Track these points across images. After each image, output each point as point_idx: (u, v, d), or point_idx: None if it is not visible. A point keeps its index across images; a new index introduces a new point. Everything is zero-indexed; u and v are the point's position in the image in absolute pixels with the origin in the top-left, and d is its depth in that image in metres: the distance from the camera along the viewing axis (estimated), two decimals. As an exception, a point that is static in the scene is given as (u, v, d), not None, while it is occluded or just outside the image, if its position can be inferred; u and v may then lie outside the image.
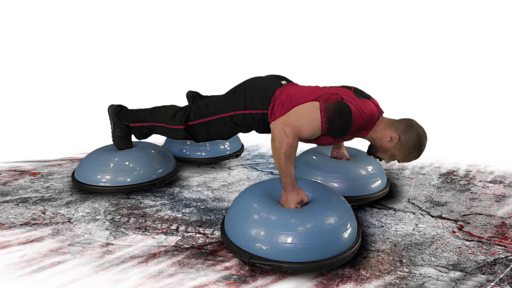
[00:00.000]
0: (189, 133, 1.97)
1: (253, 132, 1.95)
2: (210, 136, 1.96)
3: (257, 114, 1.81)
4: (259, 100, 1.80)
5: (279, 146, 1.49)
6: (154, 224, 1.78)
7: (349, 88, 1.73)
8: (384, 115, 1.75)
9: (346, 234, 1.47)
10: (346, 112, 1.56)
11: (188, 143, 2.55)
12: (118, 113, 2.16)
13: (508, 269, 1.46)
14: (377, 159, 1.80)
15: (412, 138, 1.62)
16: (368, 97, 1.72)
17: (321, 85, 1.82)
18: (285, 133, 1.48)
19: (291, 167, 1.50)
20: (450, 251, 1.57)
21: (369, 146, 1.75)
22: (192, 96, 2.51)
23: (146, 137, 2.19)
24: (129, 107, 2.21)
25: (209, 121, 1.90)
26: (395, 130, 1.64)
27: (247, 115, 1.82)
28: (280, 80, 1.88)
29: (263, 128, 1.86)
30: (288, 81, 1.93)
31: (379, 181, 2.03)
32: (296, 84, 1.87)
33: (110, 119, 2.19)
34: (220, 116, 1.87)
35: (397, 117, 1.73)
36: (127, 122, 2.16)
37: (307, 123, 1.54)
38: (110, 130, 2.22)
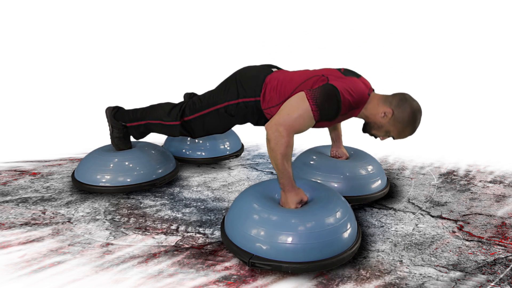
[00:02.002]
0: (185, 129, 1.98)
1: (253, 132, 1.95)
2: (206, 130, 1.97)
3: (250, 102, 1.81)
4: (250, 87, 1.80)
5: (275, 147, 1.49)
6: (154, 224, 1.78)
7: (339, 69, 1.73)
8: (375, 91, 1.74)
9: (346, 234, 1.47)
10: (334, 94, 1.55)
11: (188, 143, 2.55)
12: (115, 114, 2.18)
13: (508, 269, 1.46)
14: (372, 136, 1.77)
15: (406, 112, 1.60)
16: (357, 75, 1.72)
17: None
18: (280, 133, 1.48)
19: (288, 167, 1.50)
20: (450, 251, 1.57)
21: (364, 124, 1.74)
22: (190, 97, 2.51)
23: (143, 136, 2.19)
24: (126, 108, 2.22)
25: (204, 115, 1.91)
26: (388, 105, 1.62)
27: (240, 104, 1.82)
28: (270, 68, 1.89)
29: (258, 117, 1.85)
30: (279, 68, 1.93)
31: (379, 181, 2.03)
32: (286, 70, 1.88)
33: (107, 121, 2.21)
34: (214, 108, 1.88)
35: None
36: (124, 123, 2.17)
37: (298, 116, 1.53)
38: (109, 132, 2.23)
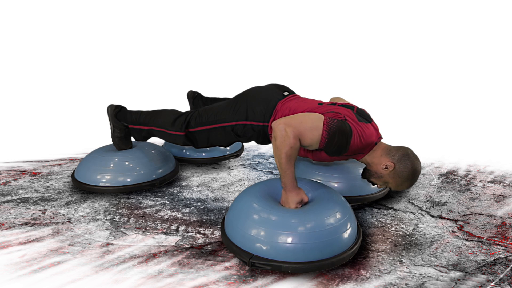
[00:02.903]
0: (189, 139, 1.97)
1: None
2: (210, 143, 1.97)
3: (258, 126, 1.81)
4: (260, 112, 1.80)
5: (280, 145, 1.49)
6: (154, 224, 1.78)
7: (352, 108, 1.73)
8: (382, 140, 1.76)
9: (346, 234, 1.47)
10: (347, 133, 1.57)
11: (188, 143, 2.55)
12: (117, 114, 2.15)
13: (508, 269, 1.46)
14: (370, 183, 1.82)
15: (406, 168, 1.63)
16: (369, 120, 1.73)
17: (323, 94, 1.83)
18: (287, 133, 1.48)
19: (291, 167, 1.50)
20: (450, 251, 1.57)
21: (364, 169, 1.76)
22: (193, 96, 2.50)
23: (145, 140, 2.19)
24: (129, 108, 2.21)
25: (209, 129, 1.91)
26: (391, 159, 1.65)
27: (248, 126, 1.83)
28: (282, 91, 1.88)
29: (263, 139, 1.87)
30: (290, 91, 1.93)
31: (379, 181, 2.03)
32: (298, 96, 1.88)
33: (109, 119, 2.18)
34: (221, 125, 1.87)
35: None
36: (126, 123, 2.15)
37: (309, 129, 1.53)
38: (110, 131, 2.22)
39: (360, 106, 1.80)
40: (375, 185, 1.76)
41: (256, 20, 4.96)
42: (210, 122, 1.90)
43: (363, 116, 1.72)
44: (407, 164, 1.63)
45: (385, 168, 1.65)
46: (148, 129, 2.08)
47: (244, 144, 2.90)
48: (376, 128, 1.74)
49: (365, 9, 4.92)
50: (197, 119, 1.92)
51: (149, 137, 2.15)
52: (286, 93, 1.87)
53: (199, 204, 1.99)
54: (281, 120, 1.54)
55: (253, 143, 3.07)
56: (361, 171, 2.00)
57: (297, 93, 1.97)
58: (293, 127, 1.50)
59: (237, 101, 1.88)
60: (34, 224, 1.75)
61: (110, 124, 2.18)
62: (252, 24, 4.97)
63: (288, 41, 4.97)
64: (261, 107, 1.81)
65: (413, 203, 2.02)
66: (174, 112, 2.03)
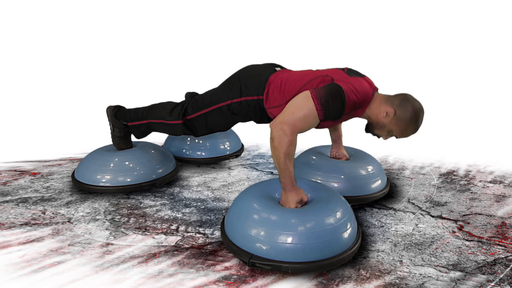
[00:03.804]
0: (188, 127, 1.98)
1: (253, 132, 1.96)
2: (209, 128, 1.97)
3: (252, 100, 1.81)
4: (253, 86, 1.80)
5: (278, 145, 1.49)
6: (154, 224, 1.78)
7: (342, 69, 1.73)
8: (379, 91, 1.74)
9: (346, 234, 1.47)
10: (339, 93, 1.55)
11: (188, 143, 2.55)
12: (116, 113, 2.17)
13: (508, 269, 1.46)
14: (375, 136, 1.77)
15: (408, 111, 1.60)
16: (361, 75, 1.72)
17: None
18: (284, 132, 1.48)
19: (290, 167, 1.50)
20: (450, 251, 1.57)
21: (367, 124, 1.74)
22: (191, 97, 2.50)
23: (145, 135, 2.19)
24: (127, 107, 2.22)
25: (206, 113, 1.91)
26: (390, 105, 1.62)
27: (243, 103, 1.82)
28: (274, 67, 1.89)
29: (260, 116, 1.86)
30: (282, 68, 1.93)
31: (379, 181, 2.03)
32: (290, 70, 1.88)
33: (108, 120, 2.20)
34: (216, 106, 1.88)
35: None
36: (125, 122, 2.16)
37: (303, 116, 1.52)
38: (109, 131, 2.22)
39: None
40: (381, 137, 1.73)
41: (255, 20, 4.96)
42: (206, 106, 1.90)
43: (354, 72, 1.71)
44: (407, 107, 1.60)
45: (386, 116, 1.63)
46: (147, 123, 2.09)
47: (244, 144, 2.90)
48: (369, 82, 1.72)
49: (365, 8, 4.92)
50: (193, 106, 1.94)
51: (148, 132, 2.16)
52: (278, 68, 1.88)
53: (199, 204, 1.99)
54: (276, 120, 1.53)
55: (253, 142, 3.07)
56: (361, 171, 2.00)
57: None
58: (287, 123, 1.49)
59: (230, 80, 1.89)
60: (34, 224, 1.75)
61: (110, 124, 2.20)
62: (251, 23, 4.97)
63: (288, 40, 4.97)
64: (254, 82, 1.81)
65: (413, 203, 2.02)
66: (170, 103, 2.05)
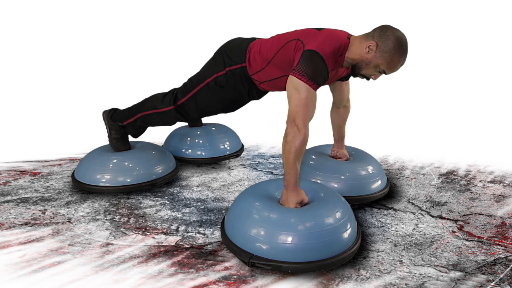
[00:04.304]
0: (180, 113, 2.02)
1: (253, 132, 1.95)
2: (200, 109, 1.99)
3: (236, 69, 1.84)
4: (236, 55, 1.85)
5: (291, 141, 1.48)
6: (154, 224, 1.78)
7: (313, 29, 1.71)
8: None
9: (346, 234, 1.47)
10: (316, 56, 1.54)
11: (188, 143, 2.55)
12: (112, 116, 2.21)
13: (508, 269, 1.46)
14: (364, 79, 1.72)
15: (390, 39, 1.55)
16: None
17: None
18: (297, 127, 1.48)
19: (298, 165, 1.50)
20: (450, 251, 1.57)
21: (352, 68, 1.70)
22: None
23: (141, 132, 2.21)
24: (121, 108, 2.25)
25: (195, 93, 1.94)
26: (370, 39, 1.58)
27: (228, 73, 1.86)
28: (254, 38, 1.93)
29: (248, 86, 1.88)
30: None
31: (379, 181, 2.03)
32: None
33: (105, 123, 2.24)
34: (204, 83, 1.91)
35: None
36: (121, 123, 2.19)
37: (305, 99, 1.51)
38: (106, 134, 2.24)
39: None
40: (370, 79, 1.68)
41: (255, 20, 4.96)
42: (194, 86, 1.94)
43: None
44: (389, 36, 1.55)
45: (369, 52, 1.58)
46: (141, 116, 2.11)
47: (244, 144, 2.90)
48: (342, 30, 1.69)
49: (365, 8, 4.92)
50: (183, 90, 1.99)
51: (143, 127, 2.19)
52: (257, 38, 1.92)
53: (199, 204, 1.99)
54: (287, 118, 1.53)
55: (253, 142, 3.07)
56: (361, 171, 2.00)
57: None
58: (297, 116, 1.49)
59: (214, 56, 1.95)
60: (34, 224, 1.75)
61: (106, 127, 2.24)
62: (251, 23, 4.97)
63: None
64: (236, 51, 1.86)
65: (413, 203, 2.02)
66: (160, 93, 2.10)
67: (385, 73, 1.64)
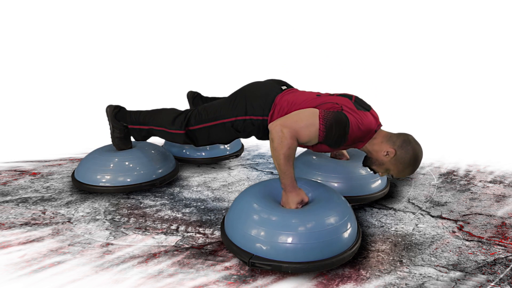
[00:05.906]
0: (189, 137, 1.97)
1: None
2: (210, 141, 1.97)
3: (257, 120, 1.81)
4: (259, 106, 1.80)
5: (278, 147, 1.49)
6: (154, 224, 1.78)
7: (350, 97, 1.72)
8: (382, 128, 1.75)
9: (346, 234, 1.47)
10: (344, 123, 1.57)
11: (188, 143, 2.55)
12: (116, 114, 2.15)
13: (508, 269, 1.46)
14: (371, 171, 1.81)
15: (408, 154, 1.61)
16: (368, 108, 1.72)
17: (322, 91, 1.82)
18: (283, 134, 1.48)
19: (290, 168, 1.50)
20: (450, 251, 1.57)
21: (365, 157, 1.76)
22: (193, 96, 2.50)
23: (145, 139, 2.19)
24: (128, 108, 2.21)
25: (209, 127, 1.90)
26: (391, 145, 1.63)
27: (248, 121, 1.83)
28: (280, 85, 1.89)
29: (263, 134, 1.87)
30: (288, 86, 1.93)
31: (379, 181, 2.03)
32: (296, 90, 1.88)
33: (108, 120, 2.18)
34: (220, 121, 1.87)
35: (396, 128, 1.72)
36: (126, 124, 2.15)
37: (305, 127, 1.53)
38: (109, 131, 2.22)
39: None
40: (377, 173, 1.74)
41: (255, 19, 4.96)
42: (210, 120, 1.90)
43: (361, 104, 1.71)
44: (408, 150, 1.61)
45: (386, 155, 1.64)
46: (148, 129, 2.07)
47: (244, 144, 2.90)
48: (375, 116, 1.73)
49: (367, 7, 4.92)
50: (196, 117, 1.92)
51: (149, 137, 2.15)
52: (284, 87, 1.87)
53: (199, 204, 1.99)
54: (277, 121, 1.53)
55: (253, 143, 3.07)
56: (361, 171, 2.00)
57: (295, 87, 1.97)
58: (289, 127, 1.50)
59: (236, 96, 1.88)
60: (34, 224, 1.75)
61: (110, 124, 2.18)
62: (251, 23, 4.97)
63: (287, 40, 4.96)
64: (260, 102, 1.81)
65: (413, 203, 2.02)
66: (173, 111, 2.03)
67: (392, 177, 1.72)
